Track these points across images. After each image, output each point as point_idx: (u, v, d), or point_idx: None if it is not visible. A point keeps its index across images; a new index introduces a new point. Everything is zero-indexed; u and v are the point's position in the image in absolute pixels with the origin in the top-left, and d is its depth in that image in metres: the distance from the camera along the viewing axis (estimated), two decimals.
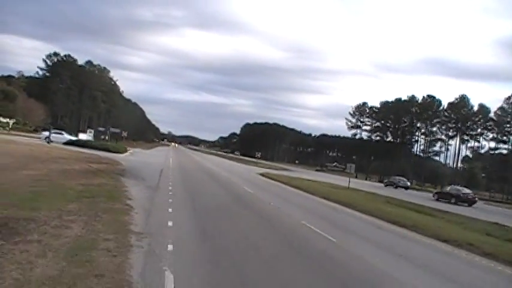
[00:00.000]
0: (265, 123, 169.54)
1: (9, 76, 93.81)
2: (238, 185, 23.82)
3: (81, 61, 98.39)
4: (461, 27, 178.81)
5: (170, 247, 7.01)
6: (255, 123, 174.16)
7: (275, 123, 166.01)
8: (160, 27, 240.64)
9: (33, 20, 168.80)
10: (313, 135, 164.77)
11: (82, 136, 50.95)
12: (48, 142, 37.61)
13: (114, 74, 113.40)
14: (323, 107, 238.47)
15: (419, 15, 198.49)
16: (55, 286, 4.59)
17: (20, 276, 4.72)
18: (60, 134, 43.04)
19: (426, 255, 10.46)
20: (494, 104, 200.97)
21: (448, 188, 38.25)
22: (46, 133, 41.57)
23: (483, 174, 73.81)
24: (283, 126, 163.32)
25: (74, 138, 43.87)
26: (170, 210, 10.94)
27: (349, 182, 34.73)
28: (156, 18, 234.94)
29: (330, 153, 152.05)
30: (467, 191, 36.23)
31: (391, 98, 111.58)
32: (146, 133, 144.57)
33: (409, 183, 53.08)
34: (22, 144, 31.48)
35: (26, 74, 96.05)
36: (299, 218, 12.97)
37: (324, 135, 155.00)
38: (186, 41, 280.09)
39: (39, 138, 41.14)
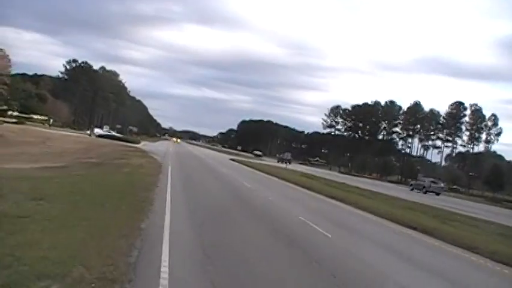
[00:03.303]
0: (260, 120, 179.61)
1: (23, 74, 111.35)
2: (207, 160, 42.20)
3: (83, 58, 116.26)
4: (461, 27, 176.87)
5: (171, 163, 25.52)
6: (251, 121, 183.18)
7: (269, 121, 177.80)
8: (161, 22, 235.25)
9: (33, 14, 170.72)
10: (306, 132, 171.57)
11: (98, 131, 68.86)
12: (89, 135, 56.10)
13: (115, 69, 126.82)
14: (321, 104, 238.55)
15: (418, 14, 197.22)
16: (143, 165, 22.68)
17: (134, 165, 22.87)
18: (106, 130, 62.78)
19: (285, 189, 28.71)
20: (491, 104, 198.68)
21: None
22: (98, 129, 61.37)
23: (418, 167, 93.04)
24: (276, 124, 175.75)
25: (116, 133, 63.03)
26: (170, 161, 29.18)
27: (287, 165, 52.87)
28: (156, 12, 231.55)
29: (322, 150, 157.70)
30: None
31: (388, 97, 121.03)
32: (149, 128, 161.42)
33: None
34: (76, 137, 49.64)
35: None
36: (232, 175, 31.11)
37: (316, 133, 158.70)
38: (187, 36, 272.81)
39: (90, 133, 60.35)
